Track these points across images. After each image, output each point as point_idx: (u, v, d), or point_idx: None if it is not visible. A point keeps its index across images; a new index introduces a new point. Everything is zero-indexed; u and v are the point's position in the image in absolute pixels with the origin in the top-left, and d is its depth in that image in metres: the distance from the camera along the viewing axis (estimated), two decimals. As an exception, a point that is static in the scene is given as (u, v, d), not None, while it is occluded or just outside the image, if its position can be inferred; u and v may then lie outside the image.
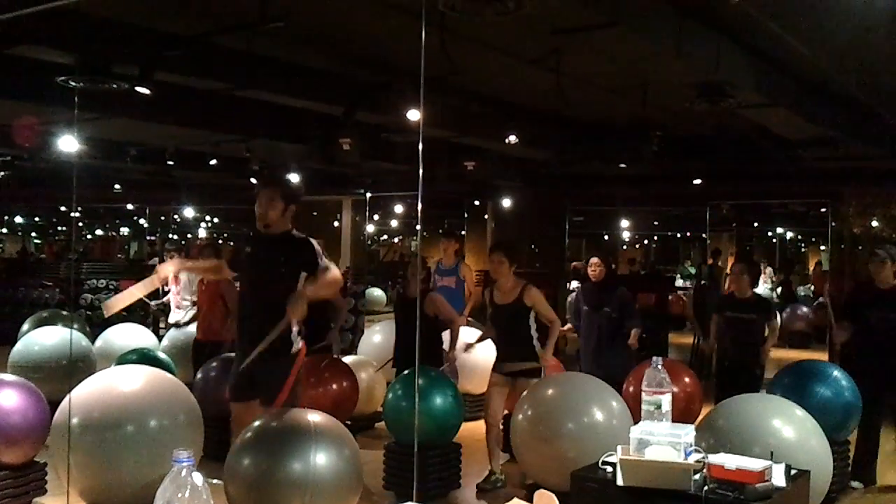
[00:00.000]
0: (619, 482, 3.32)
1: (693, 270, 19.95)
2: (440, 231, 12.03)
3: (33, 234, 28.51)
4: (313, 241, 4.57)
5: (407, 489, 5.38)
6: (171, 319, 8.78)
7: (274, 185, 4.58)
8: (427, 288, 6.58)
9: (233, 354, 6.63)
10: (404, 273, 7.75)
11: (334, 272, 4.53)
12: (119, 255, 21.55)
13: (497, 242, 6.33)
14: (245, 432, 4.20)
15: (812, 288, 17.46)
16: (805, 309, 15.06)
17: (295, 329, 4.52)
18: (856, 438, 6.05)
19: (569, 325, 7.41)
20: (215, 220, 24.03)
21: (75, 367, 7.07)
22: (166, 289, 9.49)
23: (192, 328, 8.28)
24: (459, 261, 8.73)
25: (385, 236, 24.40)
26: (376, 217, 17.73)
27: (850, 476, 5.99)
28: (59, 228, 26.77)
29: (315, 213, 16.03)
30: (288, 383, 4.52)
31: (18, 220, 26.86)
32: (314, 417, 4.21)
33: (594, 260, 7.04)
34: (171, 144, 10.16)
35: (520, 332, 5.85)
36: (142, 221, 23.79)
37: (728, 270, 13.52)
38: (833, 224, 11.29)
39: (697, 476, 3.22)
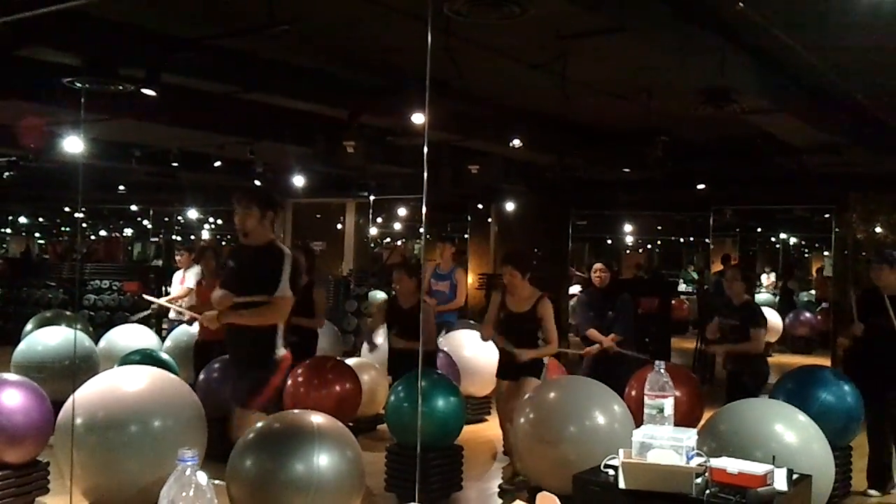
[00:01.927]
0: (621, 485, 3.32)
1: (696, 275, 19.93)
2: (442, 235, 12.14)
3: (37, 234, 28.55)
4: (286, 257, 4.60)
5: (409, 491, 5.39)
6: (172, 315, 8.84)
7: (248, 196, 4.72)
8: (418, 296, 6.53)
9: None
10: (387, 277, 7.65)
11: (274, 308, 4.55)
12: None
13: (505, 255, 6.29)
14: (248, 433, 4.22)
15: (815, 293, 17.43)
16: (808, 314, 15.07)
17: (280, 337, 4.69)
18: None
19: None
20: (219, 221, 24.04)
21: (78, 368, 7.07)
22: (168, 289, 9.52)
23: (195, 328, 8.30)
24: (455, 265, 8.83)
25: (388, 239, 24.38)
26: (380, 220, 17.72)
27: (869, 484, 5.99)
28: (63, 229, 26.80)
29: (318, 216, 16.04)
30: (268, 389, 4.70)
31: (23, 220, 26.89)
32: (317, 419, 4.22)
33: (598, 266, 6.99)
34: (175, 146, 10.19)
35: (528, 340, 5.93)
36: (145, 222, 23.82)
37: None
38: (837, 230, 11.26)
39: (699, 480, 3.22)
